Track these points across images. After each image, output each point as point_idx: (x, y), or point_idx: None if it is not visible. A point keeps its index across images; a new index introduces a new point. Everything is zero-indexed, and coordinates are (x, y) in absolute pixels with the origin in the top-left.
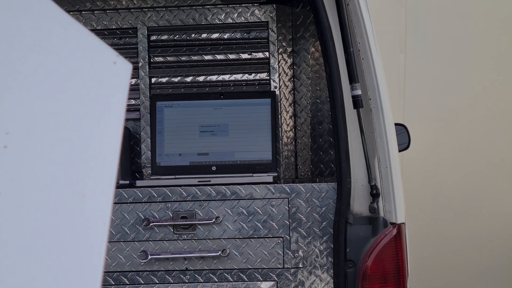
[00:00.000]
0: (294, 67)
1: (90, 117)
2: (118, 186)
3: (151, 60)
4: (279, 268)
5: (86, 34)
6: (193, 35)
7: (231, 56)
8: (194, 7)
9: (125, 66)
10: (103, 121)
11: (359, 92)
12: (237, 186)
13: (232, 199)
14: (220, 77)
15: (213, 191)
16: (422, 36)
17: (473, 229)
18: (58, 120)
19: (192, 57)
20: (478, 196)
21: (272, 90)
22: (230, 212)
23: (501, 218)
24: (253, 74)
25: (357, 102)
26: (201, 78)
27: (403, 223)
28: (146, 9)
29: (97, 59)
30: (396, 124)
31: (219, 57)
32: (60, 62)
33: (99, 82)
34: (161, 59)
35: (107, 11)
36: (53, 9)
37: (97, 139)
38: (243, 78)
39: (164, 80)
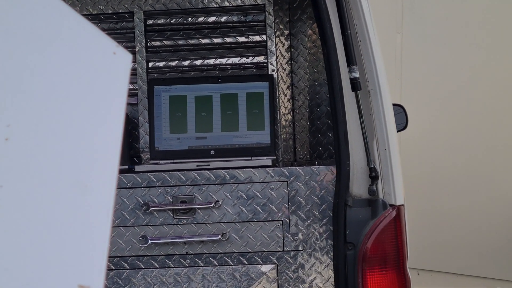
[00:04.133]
0: (292, 49)
1: (91, 108)
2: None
3: (148, 45)
4: (279, 251)
5: (85, 25)
6: (190, 18)
7: (228, 40)
8: None
9: (125, 56)
10: (104, 112)
11: (357, 74)
12: (236, 170)
13: (231, 183)
14: (218, 61)
15: (212, 175)
16: (418, 16)
17: (472, 210)
18: (59, 111)
19: (189, 41)
20: (477, 175)
21: (269, 73)
22: (229, 196)
23: (500, 198)
24: (250, 57)
25: (355, 85)
26: (198, 62)
27: (402, 204)
28: None
29: (96, 50)
30: (393, 105)
31: (216, 40)
32: (59, 53)
33: (99, 73)
34: (158, 43)
35: None
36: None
37: (98, 130)
38: (241, 61)
39: (161, 64)
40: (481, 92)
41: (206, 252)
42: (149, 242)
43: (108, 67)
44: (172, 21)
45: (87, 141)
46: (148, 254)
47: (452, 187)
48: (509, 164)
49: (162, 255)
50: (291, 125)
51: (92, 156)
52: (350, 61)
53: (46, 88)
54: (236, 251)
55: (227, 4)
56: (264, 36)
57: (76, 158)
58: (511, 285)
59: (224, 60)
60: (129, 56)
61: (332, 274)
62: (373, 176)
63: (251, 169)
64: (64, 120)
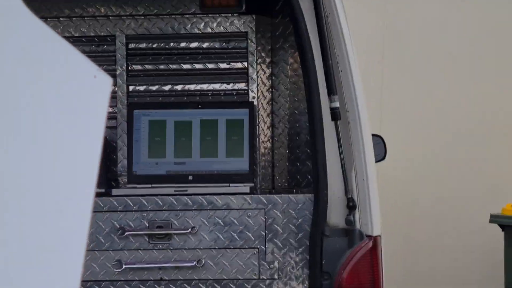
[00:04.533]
0: (273, 77)
1: (70, 131)
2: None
3: (129, 68)
4: (255, 279)
5: (67, 48)
6: (171, 43)
7: (210, 66)
8: (173, 16)
9: (106, 80)
10: (83, 134)
11: (337, 104)
12: (214, 196)
13: (209, 209)
14: (199, 87)
15: (189, 201)
16: (400, 46)
17: (451, 242)
18: (38, 133)
19: (171, 66)
20: (456, 206)
21: (250, 100)
22: (206, 222)
23: (479, 231)
24: (231, 84)
25: (335, 115)
26: (179, 87)
27: (379, 235)
28: (125, 17)
29: (77, 73)
30: (372, 135)
31: (197, 66)
32: (40, 75)
33: (80, 96)
34: (139, 67)
35: (86, 18)
36: (34, 22)
37: (76, 152)
38: (222, 87)
39: (142, 88)
40: (462, 123)
41: (181, 278)
42: (124, 266)
43: (89, 91)
44: (154, 46)
45: (65, 164)
46: (122, 279)
47: (430, 218)
48: (489, 195)
49: (137, 280)
50: (270, 153)
51: (69, 179)
52: (331, 91)
53: (25, 110)
54: (211, 277)
55: (209, 30)
56: (245, 63)
57: (53, 181)
58: None
59: (205, 86)
60: (109, 80)
61: None
62: (351, 206)
63: (229, 196)
64: (42, 142)
